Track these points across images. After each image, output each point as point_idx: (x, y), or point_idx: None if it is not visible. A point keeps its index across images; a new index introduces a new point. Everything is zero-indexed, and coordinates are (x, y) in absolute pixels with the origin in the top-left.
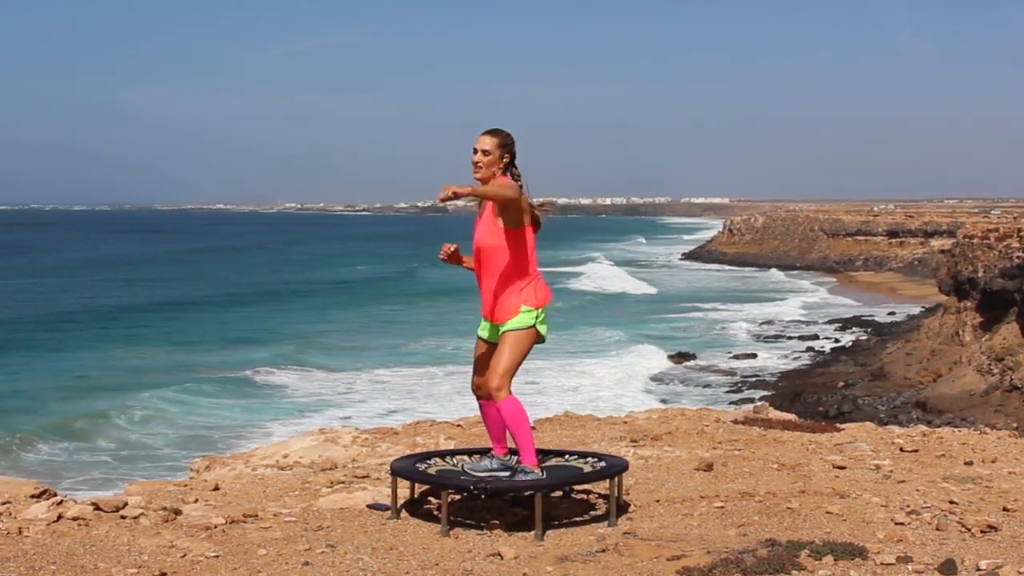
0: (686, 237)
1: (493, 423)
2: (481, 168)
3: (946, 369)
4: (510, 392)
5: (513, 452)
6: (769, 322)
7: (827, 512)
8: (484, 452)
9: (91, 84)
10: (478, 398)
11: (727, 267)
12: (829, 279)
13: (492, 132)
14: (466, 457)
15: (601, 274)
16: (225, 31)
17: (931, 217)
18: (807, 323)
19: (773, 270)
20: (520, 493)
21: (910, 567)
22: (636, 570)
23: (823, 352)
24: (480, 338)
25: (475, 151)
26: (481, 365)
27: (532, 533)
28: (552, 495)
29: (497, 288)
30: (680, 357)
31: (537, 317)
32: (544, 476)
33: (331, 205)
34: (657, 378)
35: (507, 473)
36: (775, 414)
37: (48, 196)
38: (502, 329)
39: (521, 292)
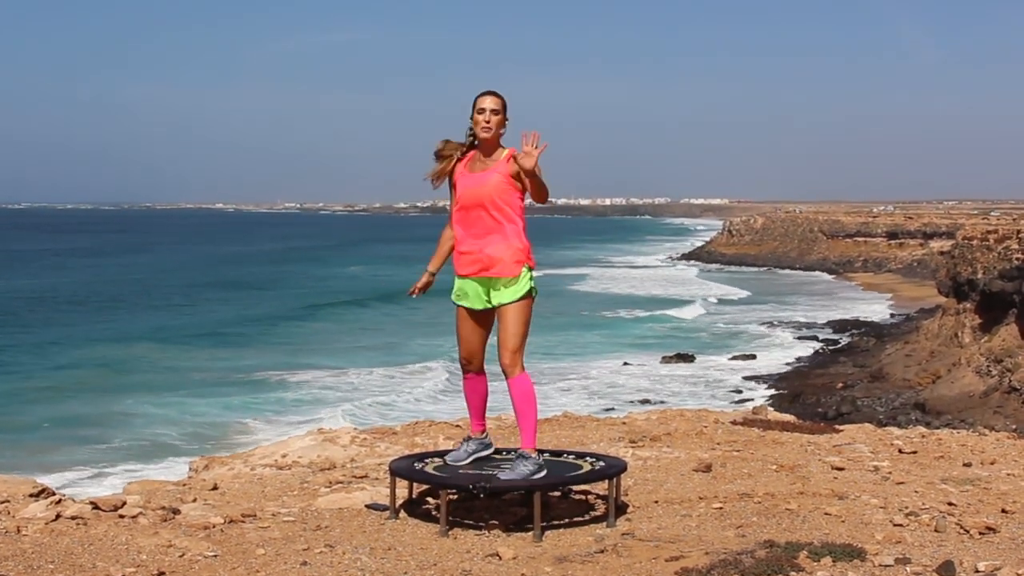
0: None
1: (478, 398)
2: (491, 128)
3: (945, 371)
4: (523, 369)
5: (507, 450)
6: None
7: (825, 513)
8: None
9: (91, 81)
10: (465, 372)
11: (755, 268)
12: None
13: (494, 92)
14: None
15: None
16: (226, 28)
17: (930, 218)
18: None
19: (820, 273)
20: (519, 492)
21: (908, 568)
22: (635, 571)
23: (822, 353)
24: (463, 307)
25: (483, 111)
26: (470, 337)
27: (531, 533)
28: (550, 495)
29: (498, 243)
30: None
31: (532, 279)
32: (542, 460)
33: (330, 204)
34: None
35: (488, 451)
36: (774, 415)
37: (45, 195)
38: (502, 301)
39: (523, 254)
